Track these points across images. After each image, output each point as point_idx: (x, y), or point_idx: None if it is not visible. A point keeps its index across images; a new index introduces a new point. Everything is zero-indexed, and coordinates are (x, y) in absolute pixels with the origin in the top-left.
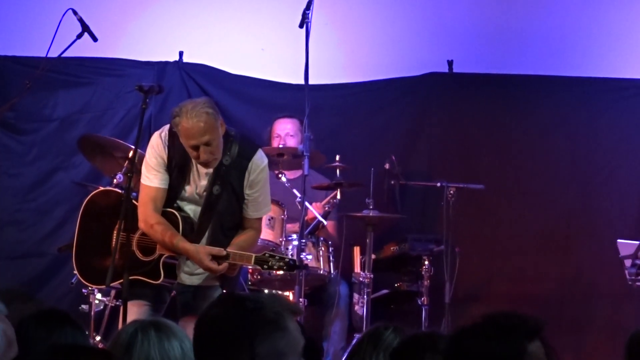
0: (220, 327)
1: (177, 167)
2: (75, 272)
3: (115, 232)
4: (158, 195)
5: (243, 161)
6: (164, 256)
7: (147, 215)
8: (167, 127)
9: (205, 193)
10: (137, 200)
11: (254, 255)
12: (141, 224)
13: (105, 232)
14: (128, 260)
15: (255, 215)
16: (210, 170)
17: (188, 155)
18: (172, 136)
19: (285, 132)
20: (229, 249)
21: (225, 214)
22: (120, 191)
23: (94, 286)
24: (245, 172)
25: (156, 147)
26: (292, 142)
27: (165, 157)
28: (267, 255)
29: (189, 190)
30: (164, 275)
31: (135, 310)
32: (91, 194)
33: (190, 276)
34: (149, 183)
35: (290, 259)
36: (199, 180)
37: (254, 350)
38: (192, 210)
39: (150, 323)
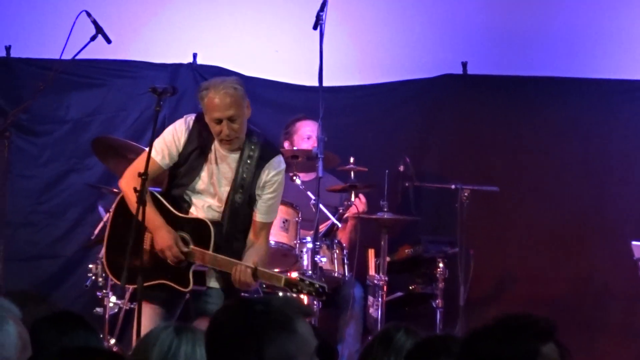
0: (228, 331)
1: (196, 152)
2: (107, 269)
3: (146, 232)
4: (154, 170)
5: (261, 162)
6: (194, 265)
7: (134, 180)
8: (195, 114)
9: (228, 202)
10: (167, 203)
11: (284, 277)
12: (122, 182)
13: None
14: (129, 259)
15: (264, 219)
16: (233, 156)
17: (208, 143)
18: (198, 122)
19: (316, 134)
20: (253, 263)
21: (241, 216)
22: (153, 190)
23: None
24: (261, 173)
25: (178, 128)
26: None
27: (182, 141)
28: (298, 279)
29: (204, 178)
30: (193, 283)
31: (149, 314)
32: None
33: (215, 279)
34: (153, 155)
35: (319, 285)
36: (217, 169)
37: (262, 353)
38: (205, 202)
39: (186, 328)
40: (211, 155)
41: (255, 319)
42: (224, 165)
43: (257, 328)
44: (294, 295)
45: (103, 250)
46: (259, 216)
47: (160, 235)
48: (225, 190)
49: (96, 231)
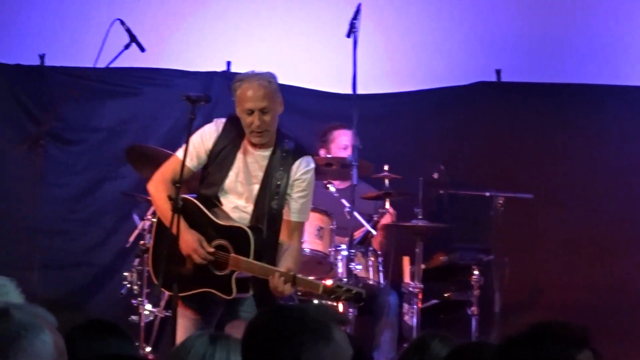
0: (264, 337)
1: (225, 150)
2: (152, 276)
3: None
4: (185, 172)
5: (290, 160)
6: (236, 273)
7: (163, 183)
8: (225, 118)
9: (264, 207)
10: (205, 207)
11: (321, 284)
12: (150, 186)
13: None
14: (166, 265)
15: (297, 218)
16: (263, 154)
17: (238, 142)
18: (228, 123)
19: (352, 143)
20: (289, 270)
21: (279, 223)
22: (191, 198)
23: (167, 292)
24: (290, 172)
25: (206, 130)
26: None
27: (210, 142)
28: (335, 286)
29: (231, 176)
30: (237, 291)
31: (185, 322)
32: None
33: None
34: (181, 156)
35: (357, 291)
36: (246, 167)
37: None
38: (232, 203)
39: (221, 336)
40: (240, 154)
41: (292, 326)
42: (253, 164)
43: (293, 335)
44: (332, 302)
45: (149, 260)
46: (292, 215)
47: (184, 240)
48: (254, 188)
49: (131, 239)
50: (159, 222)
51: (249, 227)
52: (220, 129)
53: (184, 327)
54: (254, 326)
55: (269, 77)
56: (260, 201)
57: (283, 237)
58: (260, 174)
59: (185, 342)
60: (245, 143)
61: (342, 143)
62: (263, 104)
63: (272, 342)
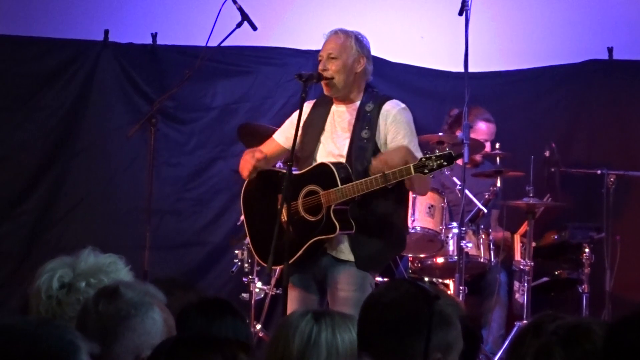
0: (400, 311)
1: (314, 124)
2: (257, 257)
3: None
4: (272, 146)
5: (377, 105)
6: (332, 207)
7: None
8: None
9: (354, 141)
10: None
11: (410, 165)
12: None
13: (270, 212)
14: (286, 248)
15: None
16: (349, 109)
17: (326, 111)
18: (320, 99)
19: (491, 138)
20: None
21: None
22: (273, 168)
23: (279, 267)
24: (379, 117)
25: (297, 112)
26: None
27: (301, 120)
28: (423, 159)
29: (323, 141)
30: (340, 228)
31: (296, 297)
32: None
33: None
34: (277, 138)
35: (444, 153)
36: (335, 128)
37: (430, 339)
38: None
39: (324, 313)
40: (329, 118)
41: (431, 304)
42: (342, 121)
43: (431, 313)
44: (427, 175)
45: (249, 239)
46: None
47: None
48: (346, 143)
49: (242, 217)
50: (245, 202)
51: (328, 162)
52: (312, 105)
53: (297, 301)
54: (384, 300)
55: (354, 34)
56: (353, 145)
57: None
58: (350, 127)
59: (288, 320)
60: (333, 109)
61: (481, 137)
62: (329, 50)
63: (406, 317)
